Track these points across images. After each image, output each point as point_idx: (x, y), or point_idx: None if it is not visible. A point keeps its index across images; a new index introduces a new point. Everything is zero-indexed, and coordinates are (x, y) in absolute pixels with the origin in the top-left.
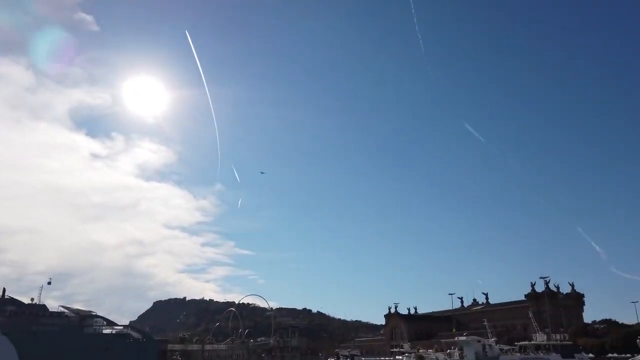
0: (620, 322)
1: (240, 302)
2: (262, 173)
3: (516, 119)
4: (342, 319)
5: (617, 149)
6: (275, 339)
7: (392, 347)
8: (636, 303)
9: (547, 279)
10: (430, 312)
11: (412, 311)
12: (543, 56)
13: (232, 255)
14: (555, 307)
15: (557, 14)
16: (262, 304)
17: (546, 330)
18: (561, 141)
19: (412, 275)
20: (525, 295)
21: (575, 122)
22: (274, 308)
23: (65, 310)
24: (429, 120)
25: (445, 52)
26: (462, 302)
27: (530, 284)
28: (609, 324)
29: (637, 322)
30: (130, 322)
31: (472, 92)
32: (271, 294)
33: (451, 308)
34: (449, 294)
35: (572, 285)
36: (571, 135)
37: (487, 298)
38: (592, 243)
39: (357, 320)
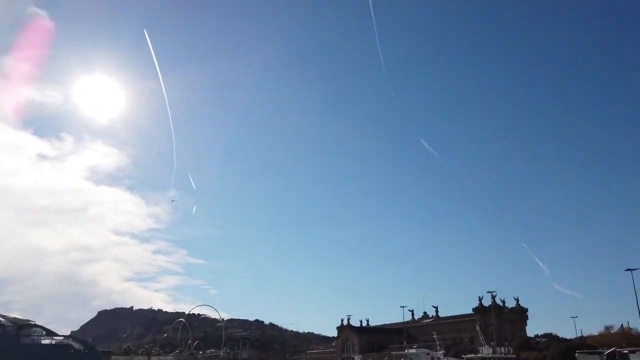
0: (560, 337)
1: (191, 312)
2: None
3: (468, 132)
4: (294, 330)
5: (565, 167)
6: (225, 350)
7: (343, 359)
8: (576, 318)
9: (494, 294)
10: (382, 325)
11: (364, 323)
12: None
13: (184, 264)
14: (500, 320)
15: (521, 28)
16: (213, 314)
17: (492, 343)
18: (511, 157)
19: (365, 288)
20: (473, 309)
21: (525, 137)
22: (225, 319)
23: (1, 319)
24: (388, 135)
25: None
26: (413, 314)
27: (478, 298)
28: (550, 338)
29: (576, 336)
30: (71, 332)
31: (429, 111)
32: (223, 305)
33: (402, 320)
34: (401, 307)
35: (517, 300)
36: (522, 151)
37: (437, 311)
38: (536, 259)
39: (309, 332)
